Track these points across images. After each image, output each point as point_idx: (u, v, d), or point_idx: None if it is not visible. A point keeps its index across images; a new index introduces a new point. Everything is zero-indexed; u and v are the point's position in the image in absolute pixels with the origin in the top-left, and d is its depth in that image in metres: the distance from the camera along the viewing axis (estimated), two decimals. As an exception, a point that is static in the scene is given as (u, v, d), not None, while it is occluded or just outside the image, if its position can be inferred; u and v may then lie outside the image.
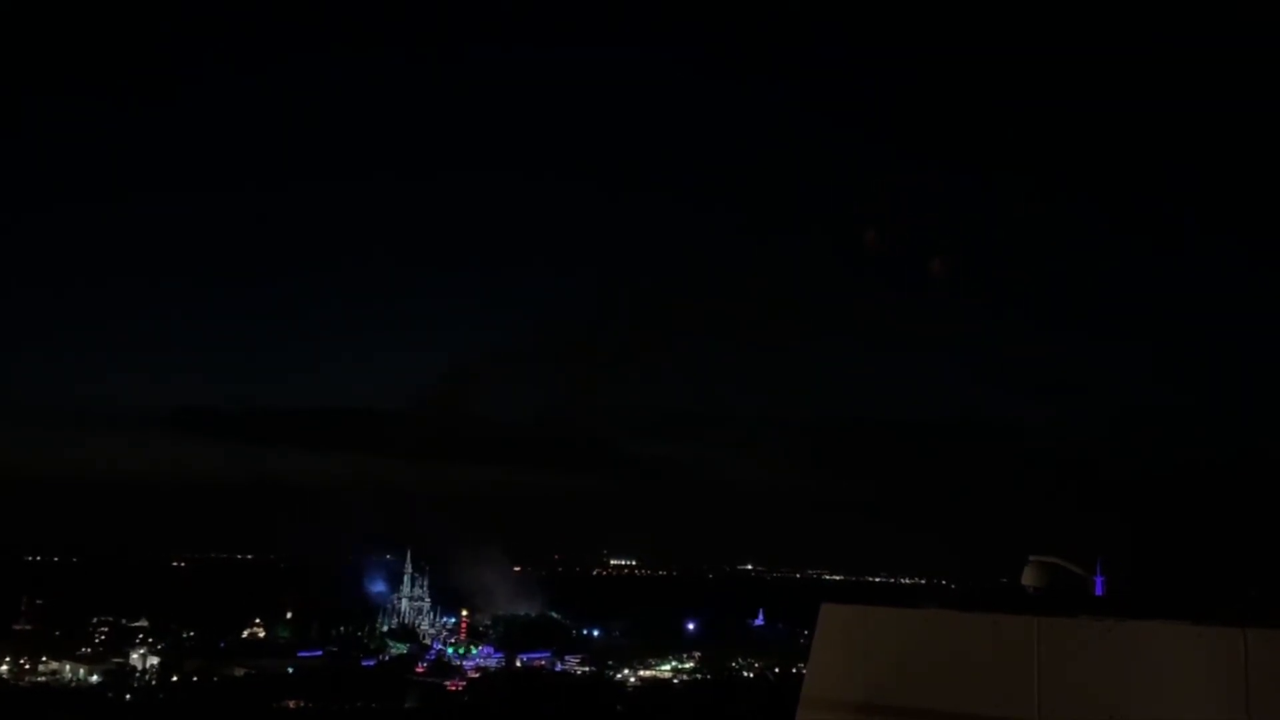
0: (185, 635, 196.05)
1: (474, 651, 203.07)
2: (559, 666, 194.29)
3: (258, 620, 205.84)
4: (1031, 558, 13.38)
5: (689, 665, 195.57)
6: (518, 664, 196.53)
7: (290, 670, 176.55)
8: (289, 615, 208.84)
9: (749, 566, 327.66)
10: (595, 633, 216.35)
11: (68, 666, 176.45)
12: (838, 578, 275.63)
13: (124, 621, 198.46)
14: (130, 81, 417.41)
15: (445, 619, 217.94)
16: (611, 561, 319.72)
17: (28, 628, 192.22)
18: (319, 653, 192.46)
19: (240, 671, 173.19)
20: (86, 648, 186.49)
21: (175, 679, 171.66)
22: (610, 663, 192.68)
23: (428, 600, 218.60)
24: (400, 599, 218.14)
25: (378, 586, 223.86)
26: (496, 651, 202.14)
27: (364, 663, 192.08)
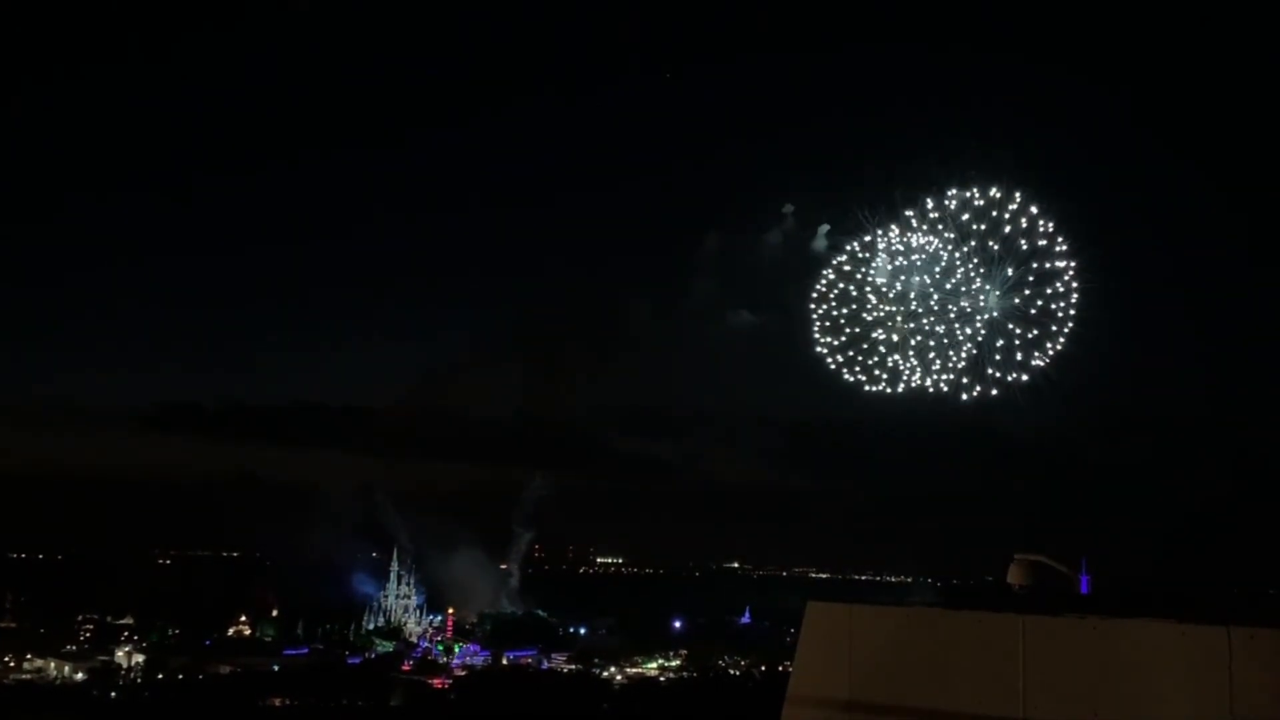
0: (170, 633, 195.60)
1: (459, 649, 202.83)
2: (545, 664, 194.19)
3: (243, 618, 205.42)
4: (1017, 556, 13.46)
5: (675, 663, 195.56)
6: (504, 662, 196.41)
7: (276, 668, 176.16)
8: (274, 613, 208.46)
9: (735, 564, 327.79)
10: (581, 631, 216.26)
11: (52, 664, 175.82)
12: (824, 575, 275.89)
13: (109, 619, 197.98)
14: (121, 81, 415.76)
15: (431, 617, 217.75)
16: (598, 559, 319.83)
17: (12, 625, 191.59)
18: (304, 650, 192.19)
19: (226, 669, 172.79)
20: (71, 645, 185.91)
21: (161, 676, 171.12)
22: (596, 661, 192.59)
23: (414, 598, 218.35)
24: (386, 597, 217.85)
25: (363, 584, 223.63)
26: (483, 649, 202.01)
27: (350, 660, 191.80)
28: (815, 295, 52.98)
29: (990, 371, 50.27)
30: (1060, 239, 49.06)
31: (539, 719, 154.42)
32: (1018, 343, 50.00)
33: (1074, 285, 49.35)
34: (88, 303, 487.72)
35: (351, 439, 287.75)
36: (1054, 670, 10.61)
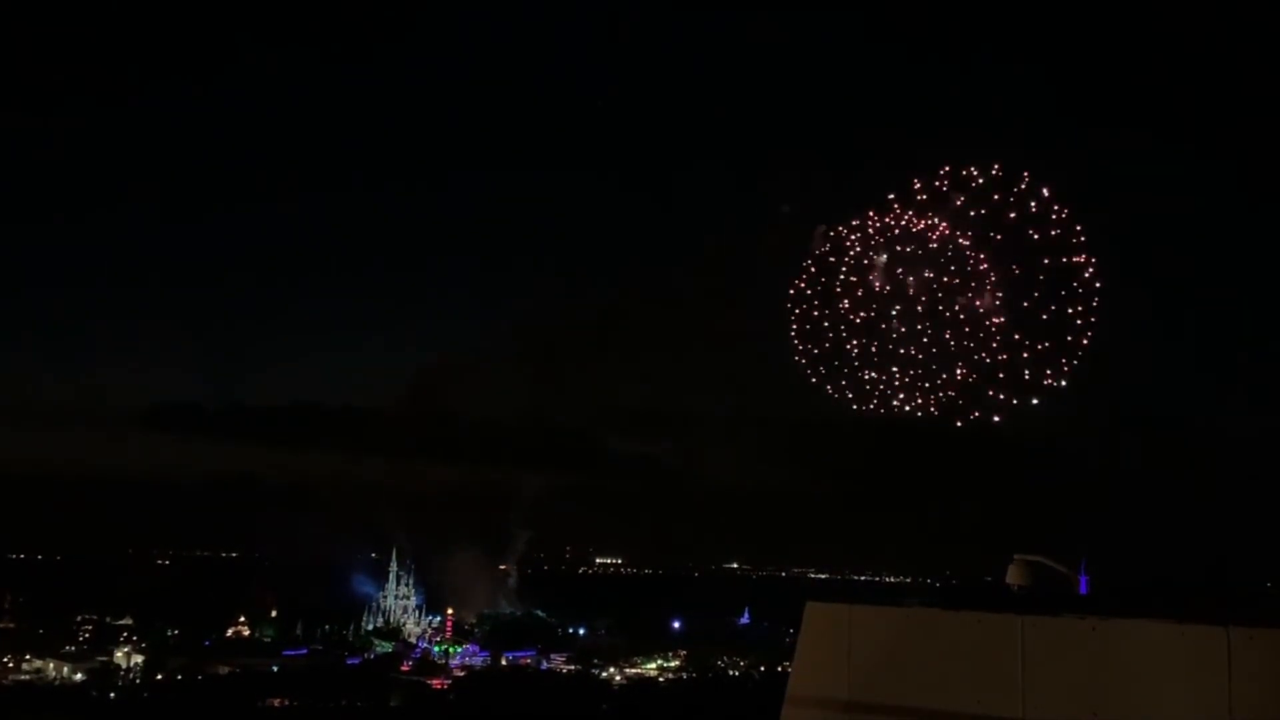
0: (170, 633, 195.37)
1: (458, 650, 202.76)
2: (544, 665, 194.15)
3: (242, 619, 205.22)
4: (1016, 556, 13.42)
5: (674, 664, 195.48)
6: (503, 662, 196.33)
7: (275, 669, 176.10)
8: (273, 614, 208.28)
9: (734, 565, 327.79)
10: (581, 631, 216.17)
11: (52, 665, 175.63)
12: (823, 576, 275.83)
13: (108, 619, 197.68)
14: (120, 83, 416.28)
15: (430, 617, 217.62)
16: (597, 560, 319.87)
17: (11, 626, 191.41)
18: (304, 651, 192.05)
19: (225, 670, 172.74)
20: (70, 646, 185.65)
21: (160, 677, 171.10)
22: (596, 661, 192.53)
23: (413, 599, 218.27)
24: (385, 597, 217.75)
25: (362, 585, 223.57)
26: (482, 650, 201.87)
27: (349, 661, 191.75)
28: (792, 293, 44.96)
29: (991, 393, 42.60)
30: (1079, 228, 41.26)
31: (538, 719, 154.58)
32: (1026, 355, 42.17)
33: (1096, 286, 41.27)
34: (88, 303, 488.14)
35: (351, 439, 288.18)
36: (1053, 670, 10.60)
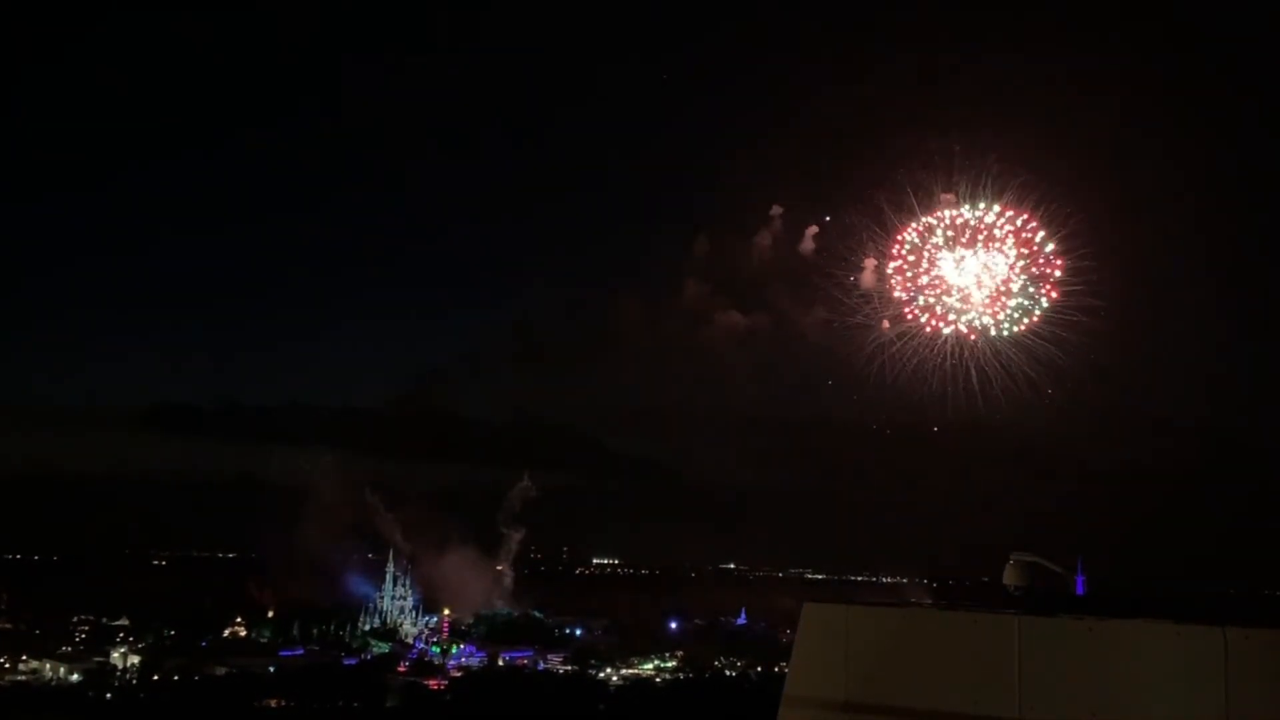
0: (166, 634, 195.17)
1: (456, 650, 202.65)
2: (541, 665, 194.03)
3: (239, 619, 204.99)
4: (1013, 557, 13.44)
5: (671, 664, 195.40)
6: (500, 663, 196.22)
7: (272, 669, 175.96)
8: (270, 614, 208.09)
9: (731, 565, 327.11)
10: (577, 632, 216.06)
11: (48, 665, 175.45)
12: (820, 576, 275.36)
13: (105, 620, 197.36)
14: (119, 82, 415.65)
15: (427, 618, 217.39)
16: (594, 560, 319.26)
17: (7, 626, 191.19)
18: (300, 652, 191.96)
19: (221, 670, 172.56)
20: (67, 646, 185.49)
21: (156, 678, 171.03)
22: (592, 662, 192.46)
23: (410, 599, 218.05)
24: (382, 598, 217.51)
25: (359, 586, 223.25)
26: (478, 650, 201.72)
27: (345, 662, 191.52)
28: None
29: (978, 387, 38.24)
30: (1078, 240, 37.84)
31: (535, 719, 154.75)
32: (1029, 369, 38.29)
33: (1100, 305, 37.59)
34: (86, 302, 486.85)
35: (349, 439, 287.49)
36: (1050, 671, 10.63)
